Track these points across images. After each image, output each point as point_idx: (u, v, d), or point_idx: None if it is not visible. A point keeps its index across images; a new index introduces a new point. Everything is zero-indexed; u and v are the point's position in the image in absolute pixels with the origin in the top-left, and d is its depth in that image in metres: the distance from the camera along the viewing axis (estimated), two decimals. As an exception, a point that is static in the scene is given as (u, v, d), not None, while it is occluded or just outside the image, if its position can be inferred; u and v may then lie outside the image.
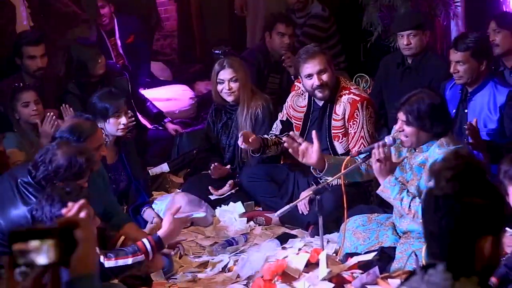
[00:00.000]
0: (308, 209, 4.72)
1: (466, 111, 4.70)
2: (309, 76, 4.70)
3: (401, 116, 3.91)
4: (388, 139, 4.04)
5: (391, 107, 5.18)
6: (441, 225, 1.80)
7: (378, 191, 4.00)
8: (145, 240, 3.69)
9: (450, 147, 3.87)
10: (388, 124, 5.33)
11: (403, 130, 3.92)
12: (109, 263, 3.42)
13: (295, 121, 4.99)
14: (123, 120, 4.71)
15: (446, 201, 1.79)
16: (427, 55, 5.31)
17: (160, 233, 3.73)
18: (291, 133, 4.46)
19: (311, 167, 4.37)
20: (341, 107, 4.74)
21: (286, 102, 5.06)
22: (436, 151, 3.88)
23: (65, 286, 1.60)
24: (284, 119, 5.04)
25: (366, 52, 6.94)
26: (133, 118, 5.14)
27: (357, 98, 4.72)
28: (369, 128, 4.72)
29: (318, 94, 4.73)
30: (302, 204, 4.71)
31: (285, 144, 4.30)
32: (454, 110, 4.70)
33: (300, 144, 4.25)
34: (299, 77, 4.88)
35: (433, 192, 1.81)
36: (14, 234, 1.54)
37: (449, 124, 4.03)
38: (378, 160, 3.89)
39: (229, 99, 5.19)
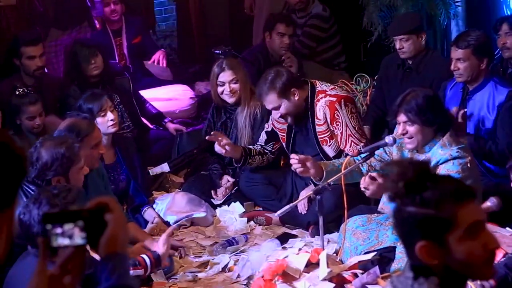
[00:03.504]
0: (306, 209, 4.73)
1: (465, 110, 4.69)
2: (275, 111, 4.75)
3: (401, 117, 3.91)
4: (388, 139, 4.04)
5: (392, 107, 5.18)
6: (396, 229, 1.92)
7: (378, 209, 4.01)
8: (145, 257, 3.91)
9: (453, 148, 3.87)
10: (388, 124, 5.32)
11: (406, 133, 3.92)
12: None
13: (280, 133, 4.99)
14: (110, 116, 4.73)
15: (393, 207, 1.89)
16: (428, 55, 5.30)
17: (160, 251, 3.96)
18: (291, 155, 4.43)
19: (310, 178, 4.39)
20: (321, 111, 4.73)
21: (272, 114, 5.06)
22: (439, 152, 3.88)
23: (97, 266, 1.64)
24: (269, 129, 5.05)
25: (367, 52, 6.94)
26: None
27: (334, 99, 4.72)
28: (354, 124, 4.72)
29: (288, 119, 4.79)
30: (301, 204, 4.71)
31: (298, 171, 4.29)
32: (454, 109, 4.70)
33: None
34: None
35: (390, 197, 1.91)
36: (48, 216, 1.60)
37: (449, 118, 4.04)
38: (364, 188, 3.90)
39: (231, 100, 5.18)
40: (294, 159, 4.25)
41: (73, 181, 3.69)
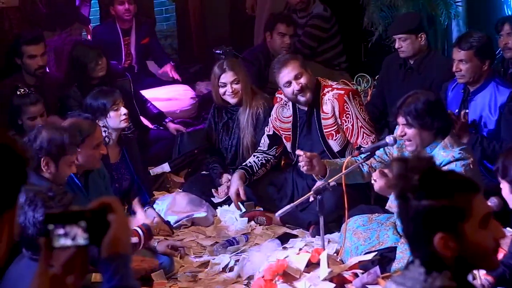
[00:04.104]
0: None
1: (467, 111, 4.69)
2: (288, 83, 4.70)
3: (401, 120, 3.91)
4: (389, 139, 4.04)
5: (393, 108, 5.18)
6: (404, 226, 1.90)
7: (386, 207, 4.00)
8: (137, 228, 4.04)
9: (455, 149, 3.88)
10: (389, 125, 5.32)
11: (405, 134, 3.92)
12: None
13: (283, 133, 4.98)
14: (123, 110, 4.75)
15: (401, 204, 1.88)
16: (429, 56, 5.30)
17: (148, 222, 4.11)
18: (297, 151, 4.40)
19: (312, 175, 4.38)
20: (328, 105, 4.74)
21: (271, 116, 5.04)
22: (441, 154, 3.87)
23: (99, 266, 1.63)
24: (271, 133, 5.04)
25: (367, 52, 6.94)
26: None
27: (342, 92, 4.73)
28: (364, 116, 4.73)
29: (301, 98, 4.73)
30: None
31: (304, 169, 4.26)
32: (456, 110, 4.70)
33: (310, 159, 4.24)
34: (279, 88, 4.88)
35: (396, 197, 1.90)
36: (50, 216, 1.59)
37: (449, 122, 4.04)
38: (374, 180, 3.88)
39: (233, 101, 5.17)
40: (301, 156, 4.24)
41: (62, 170, 3.74)
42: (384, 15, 6.25)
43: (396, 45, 5.26)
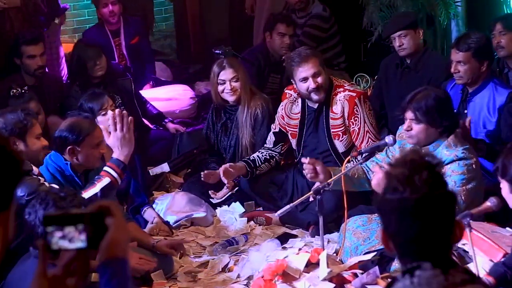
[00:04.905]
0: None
1: (465, 111, 4.70)
2: (304, 79, 4.69)
3: (409, 114, 3.91)
4: (388, 139, 4.04)
5: (391, 108, 5.18)
6: (418, 227, 1.81)
7: None
8: (106, 167, 3.87)
9: (458, 148, 3.87)
10: (388, 125, 5.33)
11: (411, 129, 3.92)
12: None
13: (290, 129, 4.97)
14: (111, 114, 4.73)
15: (418, 204, 1.80)
16: (426, 54, 5.31)
17: (115, 155, 3.88)
18: (303, 159, 4.40)
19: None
20: (339, 105, 4.74)
21: (278, 113, 5.03)
22: (444, 153, 3.87)
23: (97, 269, 1.63)
24: (277, 130, 5.03)
25: (367, 52, 6.95)
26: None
27: (354, 94, 4.74)
28: (371, 121, 4.74)
29: (314, 96, 4.73)
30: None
31: (308, 176, 4.25)
32: (455, 111, 4.70)
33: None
34: (292, 81, 4.87)
35: (404, 199, 1.81)
36: (48, 218, 1.59)
37: (456, 121, 4.04)
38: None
39: (231, 99, 5.17)
40: (305, 163, 4.23)
41: (31, 144, 3.81)
42: (384, 15, 6.26)
43: (397, 44, 5.23)
